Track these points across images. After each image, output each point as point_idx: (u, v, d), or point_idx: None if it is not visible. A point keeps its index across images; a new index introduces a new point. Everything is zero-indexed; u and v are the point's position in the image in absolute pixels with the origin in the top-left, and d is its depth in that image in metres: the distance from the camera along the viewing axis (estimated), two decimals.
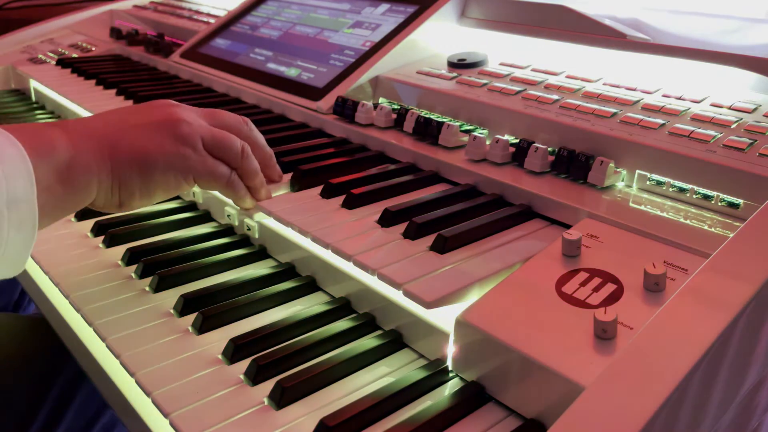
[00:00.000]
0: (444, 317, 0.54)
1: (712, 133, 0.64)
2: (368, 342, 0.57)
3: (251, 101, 1.02)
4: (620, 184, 0.67)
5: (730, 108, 0.69)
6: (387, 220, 0.63)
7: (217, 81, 1.08)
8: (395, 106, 0.88)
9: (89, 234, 0.76)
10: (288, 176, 0.74)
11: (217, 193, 0.78)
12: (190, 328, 0.59)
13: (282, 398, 0.50)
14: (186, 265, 0.68)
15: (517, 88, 0.80)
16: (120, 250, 0.72)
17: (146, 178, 0.59)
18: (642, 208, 0.62)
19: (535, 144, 0.70)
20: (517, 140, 0.73)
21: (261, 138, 0.70)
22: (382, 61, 0.93)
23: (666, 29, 0.90)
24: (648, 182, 0.65)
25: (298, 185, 0.72)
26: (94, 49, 1.39)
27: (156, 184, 0.60)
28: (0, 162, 0.49)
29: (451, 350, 0.52)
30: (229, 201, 0.77)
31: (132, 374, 0.53)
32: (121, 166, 0.58)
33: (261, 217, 0.72)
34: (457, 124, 0.78)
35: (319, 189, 0.71)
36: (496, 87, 0.82)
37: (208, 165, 0.62)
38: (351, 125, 0.86)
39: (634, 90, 0.76)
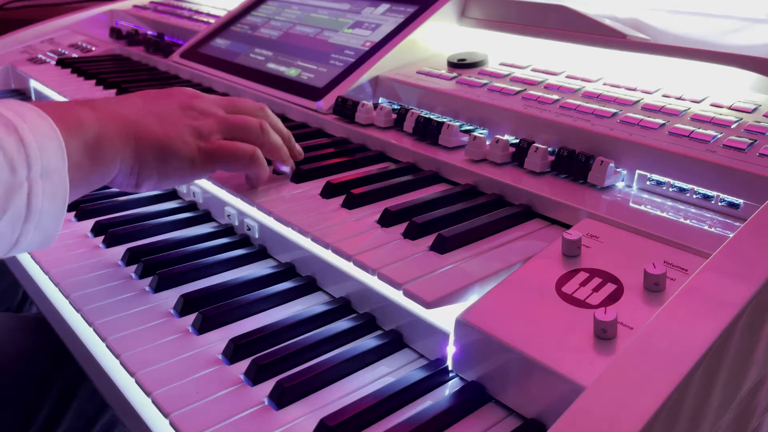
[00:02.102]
0: (444, 317, 0.54)
1: (712, 133, 0.64)
2: (368, 342, 0.57)
3: None
4: (620, 184, 0.67)
5: (730, 108, 0.69)
6: (387, 220, 0.63)
7: (217, 81, 1.08)
8: (395, 106, 0.88)
9: (89, 234, 0.76)
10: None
11: (217, 193, 0.78)
12: (190, 328, 0.59)
13: (282, 398, 0.50)
14: (186, 265, 0.68)
15: (517, 88, 0.80)
16: (120, 250, 0.72)
17: (165, 164, 0.62)
18: (642, 208, 0.62)
19: (535, 144, 0.70)
20: (517, 140, 0.73)
21: (278, 120, 0.73)
22: (382, 61, 0.93)
23: (666, 29, 0.90)
24: (648, 182, 0.65)
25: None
26: (94, 49, 1.39)
27: (174, 171, 0.63)
28: (33, 134, 0.50)
29: (451, 350, 0.52)
30: (230, 201, 0.77)
31: (132, 374, 0.53)
32: (143, 150, 0.61)
33: (261, 217, 0.72)
34: (457, 124, 0.78)
35: (319, 189, 0.71)
36: (496, 87, 0.82)
37: (226, 148, 0.65)
38: (351, 125, 0.86)
39: (634, 90, 0.76)
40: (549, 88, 0.80)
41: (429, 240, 0.60)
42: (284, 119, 0.95)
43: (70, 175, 0.53)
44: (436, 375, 0.52)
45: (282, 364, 0.54)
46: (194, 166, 0.63)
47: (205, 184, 0.80)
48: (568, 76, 0.82)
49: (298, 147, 0.75)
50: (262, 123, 0.68)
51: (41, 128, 0.51)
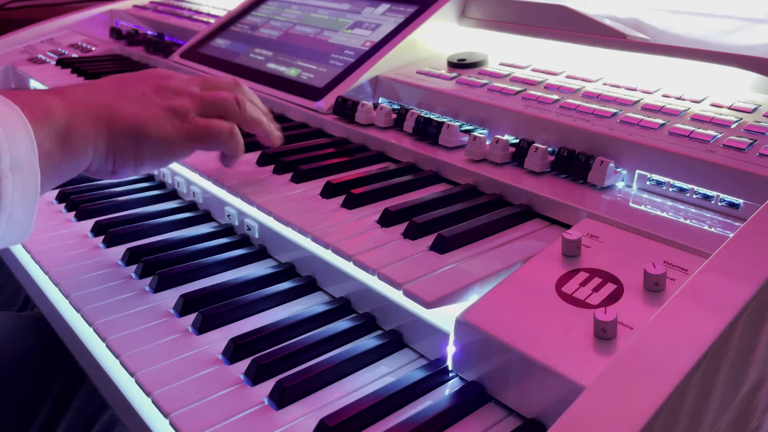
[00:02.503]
0: (444, 317, 0.54)
1: (712, 133, 0.64)
2: (368, 342, 0.57)
3: None
4: (620, 184, 0.67)
5: (730, 108, 0.69)
6: (387, 220, 0.63)
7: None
8: (395, 106, 0.88)
9: (89, 234, 0.76)
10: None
11: (217, 193, 0.78)
12: (190, 328, 0.59)
13: (282, 398, 0.50)
14: (186, 265, 0.68)
15: (517, 88, 0.80)
16: (120, 250, 0.72)
17: (140, 148, 0.61)
18: (642, 208, 0.62)
19: (535, 144, 0.70)
20: (517, 140, 0.73)
21: (254, 96, 0.72)
22: (382, 61, 0.93)
23: (666, 29, 0.90)
24: (648, 182, 0.65)
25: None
26: (94, 49, 1.39)
27: (150, 153, 0.62)
28: (2, 125, 0.49)
29: (451, 350, 0.52)
30: (230, 201, 0.77)
31: (132, 374, 0.53)
32: (117, 135, 0.60)
33: (261, 217, 0.72)
34: (457, 124, 0.78)
35: (319, 189, 0.71)
36: (496, 87, 0.82)
37: (202, 126, 0.64)
38: (351, 125, 0.86)
39: (634, 90, 0.76)
40: (549, 88, 0.80)
41: (429, 240, 0.60)
42: (284, 119, 0.95)
43: (41, 165, 0.52)
44: (436, 375, 0.52)
45: (282, 364, 0.54)
46: (172, 148, 0.62)
47: (204, 183, 0.80)
48: (568, 76, 0.82)
49: (276, 131, 0.73)
50: (238, 97, 0.67)
51: (10, 119, 0.50)
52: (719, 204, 0.60)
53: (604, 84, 0.78)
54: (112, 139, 0.59)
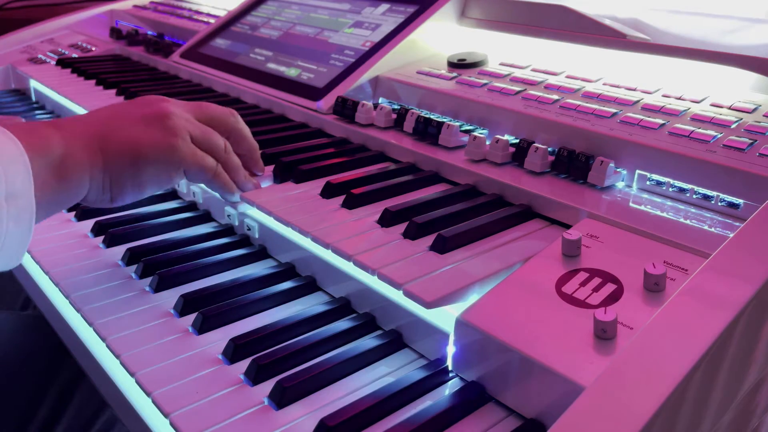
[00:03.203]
0: (444, 317, 0.54)
1: (712, 133, 0.64)
2: (368, 342, 0.57)
3: (251, 101, 1.02)
4: (620, 184, 0.67)
5: (730, 108, 0.69)
6: (387, 220, 0.63)
7: (217, 81, 1.08)
8: (395, 106, 0.88)
9: (89, 234, 0.76)
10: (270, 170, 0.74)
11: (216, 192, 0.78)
12: (190, 328, 0.59)
13: (282, 398, 0.50)
14: (186, 265, 0.68)
15: (517, 88, 0.80)
16: (120, 250, 0.72)
17: (137, 171, 0.61)
18: (642, 208, 0.62)
19: (535, 144, 0.70)
20: (517, 140, 0.73)
21: (247, 130, 0.72)
22: (382, 61, 0.93)
23: (666, 29, 0.90)
24: (648, 182, 0.65)
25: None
26: (94, 49, 1.39)
27: (147, 176, 0.61)
28: None
29: (451, 350, 0.52)
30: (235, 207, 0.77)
31: (132, 374, 0.53)
32: (113, 160, 0.59)
33: (261, 217, 0.72)
34: (457, 124, 0.78)
35: (319, 189, 0.71)
36: (496, 87, 0.82)
37: (197, 157, 0.64)
38: (351, 125, 0.86)
39: (634, 90, 0.76)
40: (549, 88, 0.80)
41: (429, 240, 0.60)
42: (284, 119, 0.95)
43: (37, 196, 0.52)
44: (436, 375, 0.52)
45: (282, 364, 0.54)
46: (168, 171, 0.62)
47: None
48: (568, 76, 0.82)
49: (261, 163, 0.74)
50: (226, 144, 0.68)
51: (7, 150, 0.50)
52: (719, 204, 0.60)
53: (604, 84, 0.78)
54: (108, 165, 0.59)
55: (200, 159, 0.64)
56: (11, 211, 0.50)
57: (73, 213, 0.81)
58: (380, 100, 0.93)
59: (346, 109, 0.86)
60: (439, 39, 0.98)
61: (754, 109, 0.67)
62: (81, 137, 0.58)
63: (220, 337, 0.58)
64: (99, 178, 0.59)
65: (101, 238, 0.75)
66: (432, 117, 0.80)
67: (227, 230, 0.77)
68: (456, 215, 0.63)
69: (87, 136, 0.59)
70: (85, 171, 0.58)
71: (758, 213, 0.53)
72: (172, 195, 0.87)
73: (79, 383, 0.81)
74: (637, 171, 0.66)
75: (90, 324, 0.60)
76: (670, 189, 0.63)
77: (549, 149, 0.70)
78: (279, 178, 0.74)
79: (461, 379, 0.52)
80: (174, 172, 0.63)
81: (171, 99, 0.67)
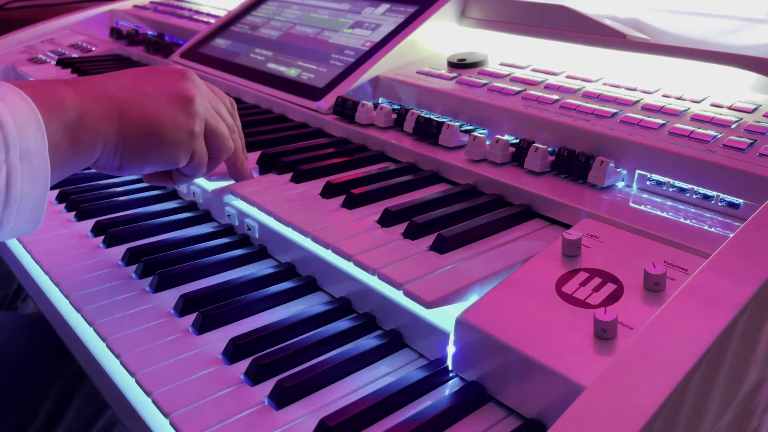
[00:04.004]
0: (444, 317, 0.54)
1: (712, 133, 0.64)
2: (368, 342, 0.57)
3: (251, 101, 1.02)
4: (620, 184, 0.67)
5: (730, 108, 0.69)
6: (387, 220, 0.63)
7: (217, 81, 1.08)
8: (395, 106, 0.88)
9: (89, 234, 0.76)
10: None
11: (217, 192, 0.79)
12: (190, 328, 0.59)
13: (282, 398, 0.50)
14: (186, 265, 0.68)
15: (517, 88, 0.80)
16: (120, 250, 0.72)
17: (149, 145, 0.60)
18: (642, 208, 0.62)
19: (535, 144, 0.70)
20: (517, 140, 0.73)
21: (239, 123, 0.73)
22: (382, 61, 0.93)
23: (666, 29, 0.90)
24: (648, 182, 0.65)
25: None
26: (94, 49, 1.39)
27: (156, 152, 0.61)
28: (12, 115, 0.49)
29: (451, 350, 0.52)
30: (230, 201, 0.77)
31: (132, 374, 0.53)
32: (129, 129, 0.59)
33: (261, 217, 0.72)
34: (457, 124, 0.78)
35: (319, 189, 0.71)
36: (496, 87, 0.82)
37: (205, 148, 0.65)
38: (351, 125, 0.86)
39: (634, 90, 0.76)
40: (549, 88, 0.80)
41: (429, 240, 0.60)
42: (284, 119, 0.95)
43: (50, 157, 0.51)
44: (436, 375, 0.52)
45: (282, 364, 0.54)
46: (177, 155, 0.62)
47: (205, 183, 0.80)
48: (568, 76, 0.82)
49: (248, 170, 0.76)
50: (235, 142, 0.69)
51: (21, 110, 0.49)
52: (719, 204, 0.60)
53: (604, 84, 0.78)
54: (123, 133, 0.58)
55: (201, 157, 0.65)
56: (25, 171, 0.49)
57: (73, 213, 0.81)
58: (380, 100, 0.93)
59: (346, 109, 0.86)
60: (439, 39, 0.98)
61: (754, 109, 0.67)
62: (99, 100, 0.57)
63: (220, 337, 0.58)
64: (112, 144, 0.58)
65: (101, 238, 0.75)
66: (432, 117, 0.80)
67: (227, 230, 0.77)
68: (456, 215, 0.63)
69: (106, 100, 0.58)
70: (99, 135, 0.57)
71: (758, 213, 0.53)
72: (172, 195, 0.87)
73: (79, 384, 0.81)
74: (637, 171, 0.66)
75: (90, 324, 0.60)
76: (670, 189, 0.63)
77: (549, 149, 0.70)
78: (274, 172, 0.74)
79: (461, 378, 0.52)
80: (183, 156, 0.62)
81: (193, 74, 0.66)
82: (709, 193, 0.61)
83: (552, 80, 0.81)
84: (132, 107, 0.59)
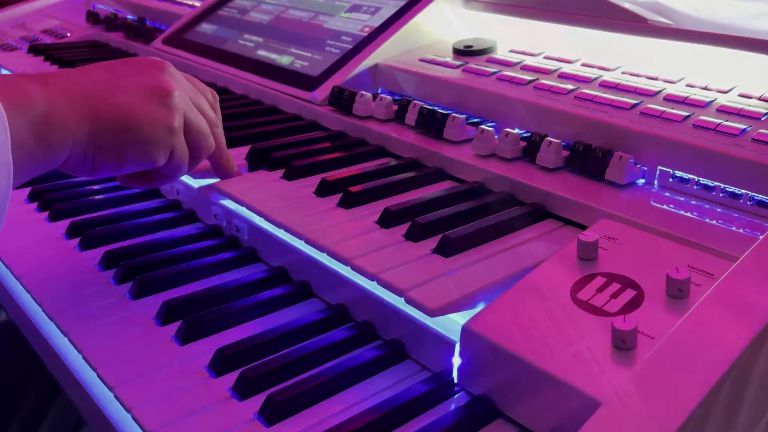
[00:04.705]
0: (449, 326, 0.54)
1: (741, 126, 0.64)
2: (367, 353, 0.57)
3: (240, 91, 1.02)
4: (640, 182, 0.67)
5: (759, 99, 0.69)
6: (387, 220, 0.63)
7: (202, 69, 1.08)
8: (396, 97, 0.88)
9: (64, 236, 0.76)
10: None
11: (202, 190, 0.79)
12: (173, 338, 0.59)
13: (273, 414, 0.50)
14: (169, 270, 0.68)
15: (529, 78, 0.80)
16: (97, 253, 0.72)
17: (124, 144, 0.60)
18: (664, 207, 0.62)
19: (548, 138, 0.70)
20: (529, 134, 0.73)
21: (220, 117, 0.73)
22: (382, 48, 0.93)
23: (690, 13, 0.91)
24: (671, 179, 0.65)
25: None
26: (68, 35, 1.39)
27: (133, 151, 0.60)
28: None
29: (457, 361, 0.52)
30: (216, 199, 0.77)
31: (111, 388, 0.53)
32: (101, 127, 0.58)
33: (251, 218, 0.72)
34: (464, 116, 0.78)
35: (313, 186, 0.71)
36: (505, 76, 0.82)
37: (185, 146, 0.64)
38: (348, 117, 0.86)
39: (656, 79, 0.76)
40: (563, 77, 0.80)
41: (433, 242, 0.60)
42: (276, 111, 0.95)
43: (14, 155, 0.51)
44: (441, 388, 0.52)
45: (273, 377, 0.54)
46: (156, 153, 0.61)
47: (189, 180, 0.80)
48: (583, 65, 0.82)
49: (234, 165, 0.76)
50: (217, 138, 0.69)
51: None
52: (748, 203, 0.60)
53: (623, 73, 0.78)
54: (95, 132, 0.58)
55: (181, 157, 0.64)
56: None
57: (47, 213, 0.81)
58: (380, 90, 0.93)
59: (342, 99, 0.86)
60: (444, 24, 0.98)
61: None
62: (68, 96, 0.57)
63: (205, 348, 0.58)
64: (82, 143, 0.58)
65: (77, 240, 0.75)
66: (436, 108, 0.80)
67: (214, 231, 0.77)
68: (462, 215, 0.64)
69: (75, 96, 0.57)
70: (68, 134, 0.56)
71: None
72: (154, 193, 0.87)
73: (53, 398, 0.81)
74: (659, 167, 0.66)
75: (65, 334, 0.60)
76: (695, 186, 0.63)
77: (563, 143, 0.70)
78: (264, 169, 0.74)
79: (468, 393, 0.52)
80: (162, 154, 0.62)
81: (171, 68, 0.65)
82: (737, 191, 0.61)
83: (566, 69, 0.81)
84: (104, 103, 0.59)
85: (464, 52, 0.90)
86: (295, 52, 1.01)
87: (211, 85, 1.05)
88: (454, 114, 0.77)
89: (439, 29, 0.98)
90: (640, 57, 0.81)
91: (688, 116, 0.67)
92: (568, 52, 0.86)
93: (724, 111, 0.67)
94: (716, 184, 0.62)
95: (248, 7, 1.19)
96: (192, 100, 0.66)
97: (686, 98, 0.70)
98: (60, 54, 1.22)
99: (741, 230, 0.57)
